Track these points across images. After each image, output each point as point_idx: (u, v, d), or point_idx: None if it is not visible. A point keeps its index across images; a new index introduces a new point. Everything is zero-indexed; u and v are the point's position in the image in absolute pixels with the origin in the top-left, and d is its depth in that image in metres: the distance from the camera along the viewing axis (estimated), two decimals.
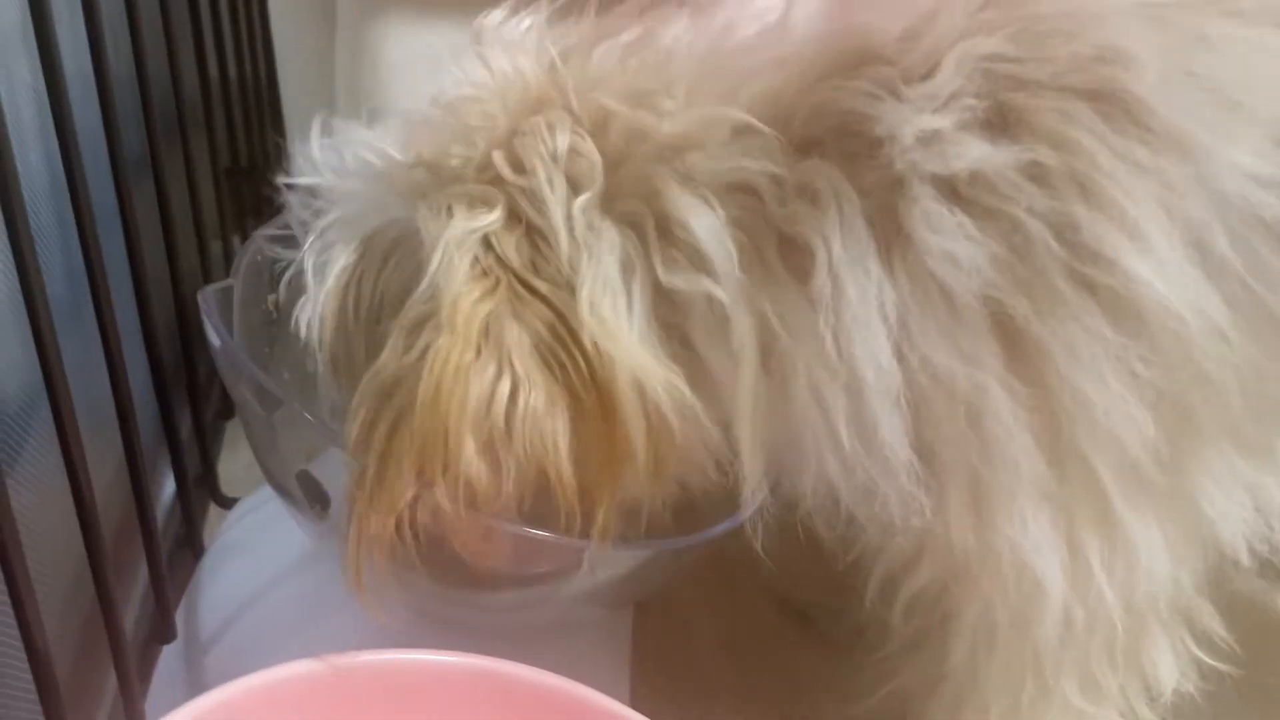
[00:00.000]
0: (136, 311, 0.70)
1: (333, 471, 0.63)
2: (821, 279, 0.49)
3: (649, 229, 0.52)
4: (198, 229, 0.88)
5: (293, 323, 0.59)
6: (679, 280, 0.51)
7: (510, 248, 0.51)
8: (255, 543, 0.76)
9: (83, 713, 0.63)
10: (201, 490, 0.87)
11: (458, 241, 0.51)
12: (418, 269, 0.52)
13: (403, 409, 0.50)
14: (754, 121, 0.50)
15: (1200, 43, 0.48)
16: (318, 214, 0.57)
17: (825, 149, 0.50)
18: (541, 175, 0.51)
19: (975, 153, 0.47)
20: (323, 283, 0.55)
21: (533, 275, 0.51)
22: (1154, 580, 0.52)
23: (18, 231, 0.50)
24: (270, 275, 0.68)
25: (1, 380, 0.57)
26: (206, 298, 0.58)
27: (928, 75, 0.48)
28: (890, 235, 0.49)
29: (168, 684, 0.68)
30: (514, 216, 0.52)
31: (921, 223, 0.48)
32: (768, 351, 0.52)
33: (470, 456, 0.50)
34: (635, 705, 0.54)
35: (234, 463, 0.94)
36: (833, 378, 0.50)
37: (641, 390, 0.51)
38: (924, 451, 0.50)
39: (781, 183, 0.50)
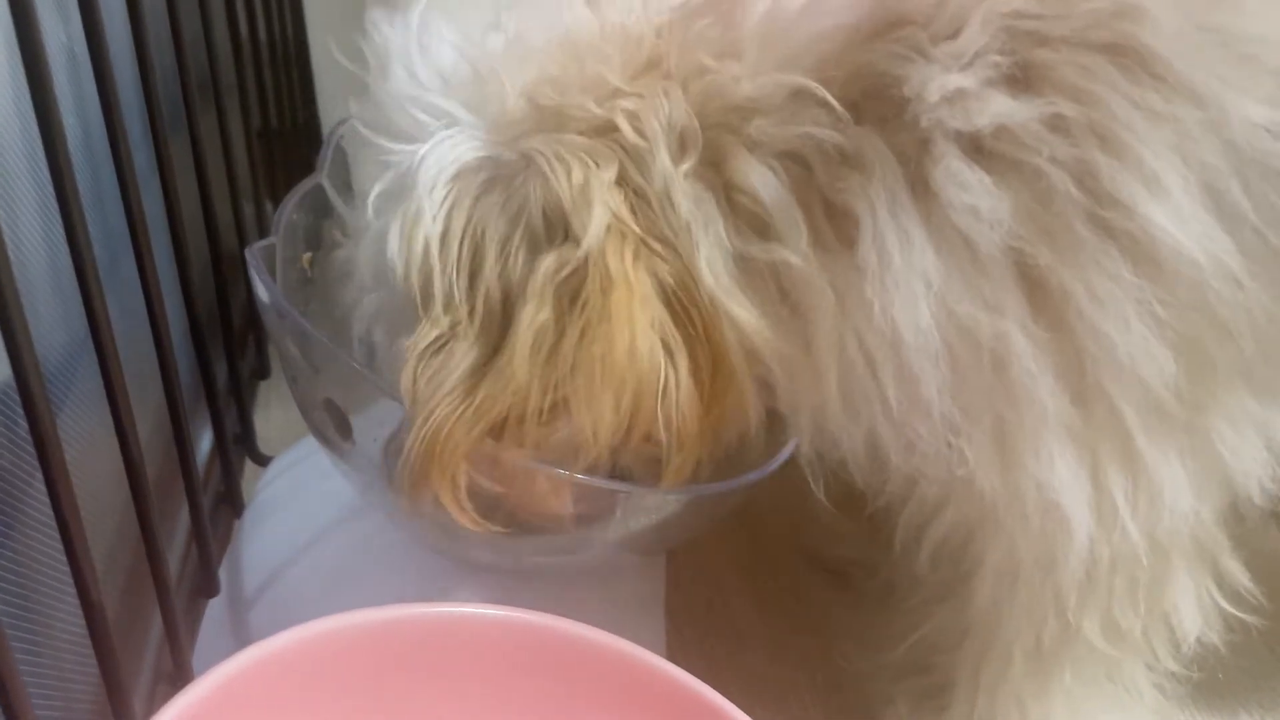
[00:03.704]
0: (174, 272, 0.70)
1: (375, 421, 0.64)
2: (867, 247, 0.50)
3: (720, 195, 0.53)
4: (232, 190, 0.89)
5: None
6: (754, 249, 0.53)
7: (624, 207, 0.53)
8: (295, 500, 0.77)
9: (131, 665, 0.64)
10: (239, 448, 0.88)
11: (596, 196, 0.52)
12: (521, 210, 0.53)
13: (578, 363, 0.53)
14: (816, 88, 0.50)
15: None
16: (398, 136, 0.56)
17: (863, 113, 0.50)
18: (660, 141, 0.53)
19: (999, 108, 0.48)
20: (411, 214, 0.54)
21: (649, 235, 0.53)
22: (1176, 516, 0.53)
23: (65, 190, 0.51)
24: (305, 235, 0.68)
25: (37, 342, 0.57)
26: (254, 254, 0.58)
27: (954, 35, 0.49)
28: (924, 196, 0.50)
29: (214, 637, 0.70)
30: (623, 177, 0.53)
31: (946, 179, 0.49)
32: (825, 315, 0.53)
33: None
34: (671, 659, 0.55)
35: (267, 423, 0.95)
36: (881, 341, 0.51)
37: (749, 349, 0.54)
38: (957, 401, 0.51)
39: (832, 150, 0.51)
